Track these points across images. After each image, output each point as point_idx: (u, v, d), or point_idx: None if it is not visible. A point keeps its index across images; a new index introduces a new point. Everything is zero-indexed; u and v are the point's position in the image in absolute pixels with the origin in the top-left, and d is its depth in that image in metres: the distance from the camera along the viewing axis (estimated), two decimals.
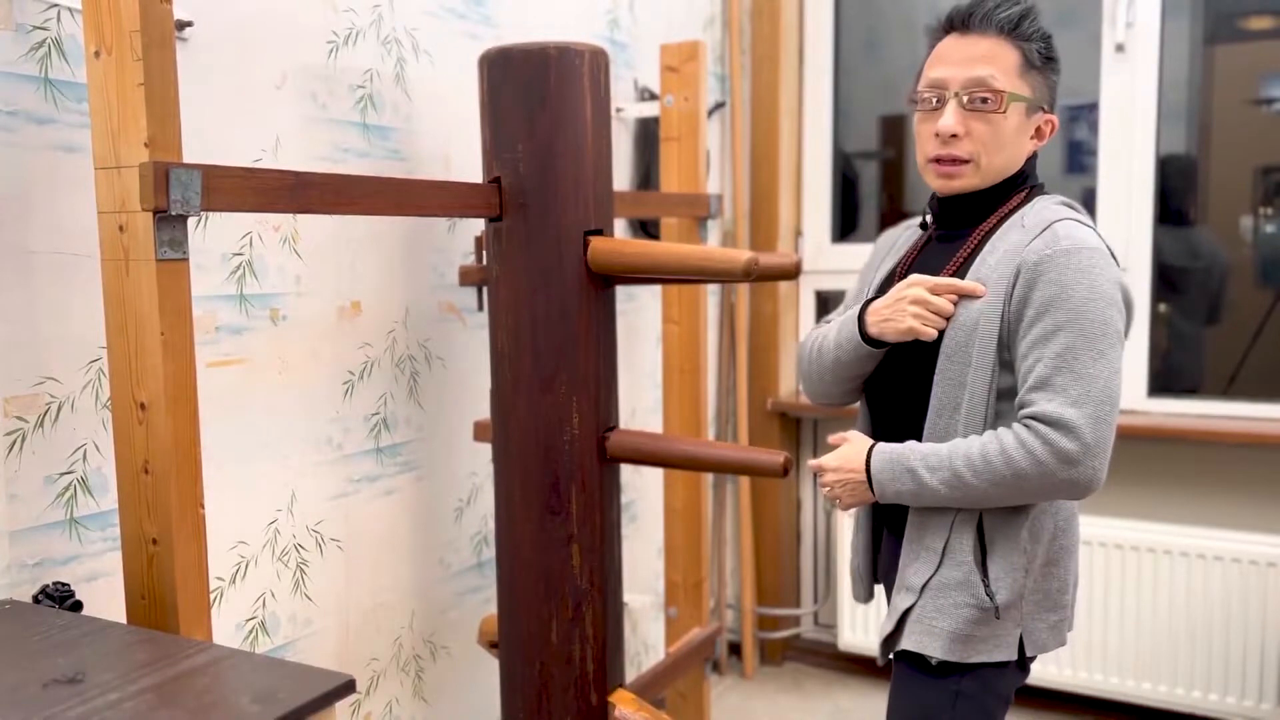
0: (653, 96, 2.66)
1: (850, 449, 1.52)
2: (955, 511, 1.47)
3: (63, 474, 1.47)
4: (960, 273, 1.50)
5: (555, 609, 1.79)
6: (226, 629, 1.70)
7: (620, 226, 2.59)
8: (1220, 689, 2.60)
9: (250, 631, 1.74)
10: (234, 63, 1.67)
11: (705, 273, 1.70)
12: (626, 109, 2.55)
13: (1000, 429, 1.41)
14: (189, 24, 1.58)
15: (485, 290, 1.98)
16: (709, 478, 2.63)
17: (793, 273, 1.68)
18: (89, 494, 1.51)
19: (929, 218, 1.61)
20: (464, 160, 2.14)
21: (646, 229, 2.66)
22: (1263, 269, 2.86)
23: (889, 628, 1.54)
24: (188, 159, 1.56)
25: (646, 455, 1.80)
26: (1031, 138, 1.51)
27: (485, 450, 2.22)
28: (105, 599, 1.51)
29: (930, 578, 1.48)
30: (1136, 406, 2.80)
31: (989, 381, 1.44)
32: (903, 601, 1.52)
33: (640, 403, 2.74)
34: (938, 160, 1.50)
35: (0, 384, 1.39)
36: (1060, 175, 3.05)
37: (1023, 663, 1.52)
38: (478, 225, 2.15)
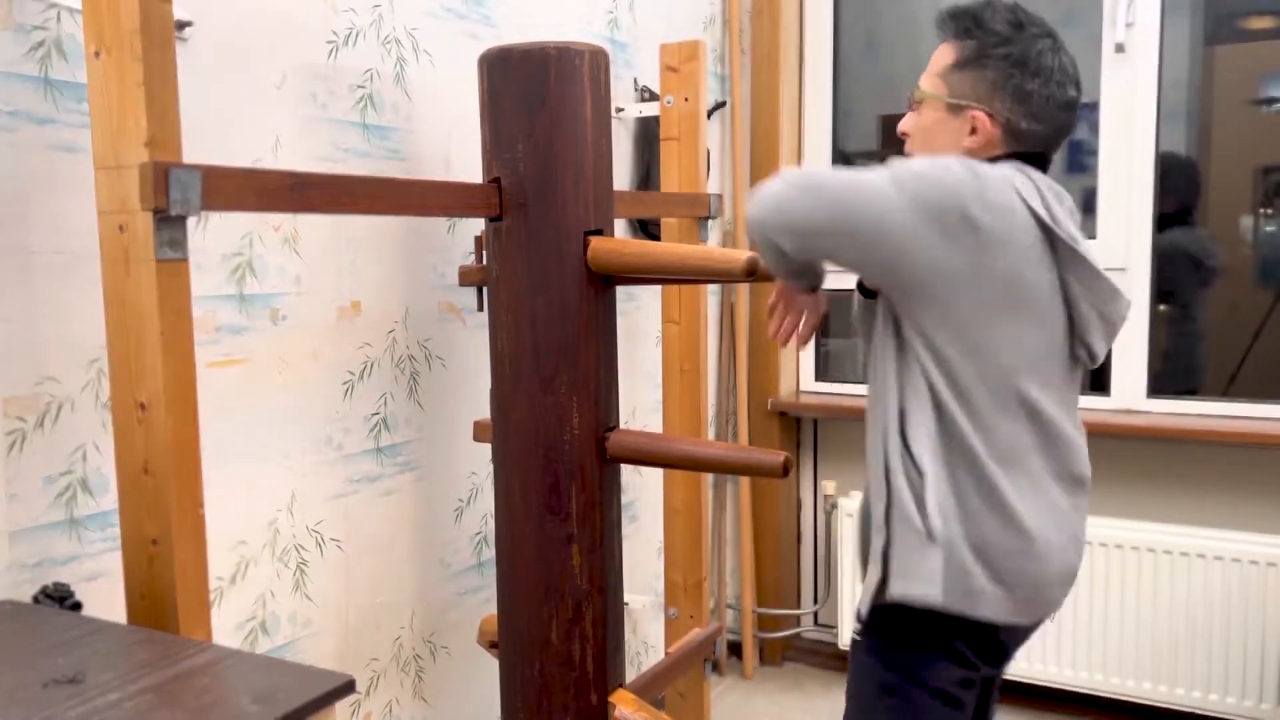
0: (653, 96, 2.66)
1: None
2: (880, 437, 1.49)
3: (63, 474, 1.47)
4: None
5: (555, 609, 1.79)
6: (226, 629, 1.70)
7: (620, 226, 2.59)
8: (1220, 689, 2.60)
9: (250, 631, 1.74)
10: (234, 63, 1.67)
11: (705, 273, 1.70)
12: (626, 109, 2.55)
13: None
14: (189, 24, 1.58)
15: (485, 290, 1.98)
16: (709, 478, 2.63)
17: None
18: (89, 494, 1.51)
19: None
20: (464, 160, 2.14)
21: (646, 229, 2.66)
22: (1263, 269, 2.86)
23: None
24: (188, 159, 1.56)
25: (646, 455, 1.80)
26: (969, 135, 1.51)
27: (485, 450, 2.22)
28: (105, 599, 1.51)
29: (874, 512, 1.50)
30: (1136, 406, 2.80)
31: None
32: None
33: (640, 403, 2.74)
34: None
35: (0, 384, 1.39)
36: (1060, 175, 3.05)
37: (954, 654, 1.48)
38: (478, 225, 2.15)
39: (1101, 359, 1.55)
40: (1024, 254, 1.40)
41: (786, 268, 1.52)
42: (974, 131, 1.51)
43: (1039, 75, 1.50)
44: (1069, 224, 1.48)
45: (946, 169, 1.38)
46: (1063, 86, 1.53)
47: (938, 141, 1.53)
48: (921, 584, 1.43)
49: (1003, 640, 1.52)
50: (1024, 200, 1.41)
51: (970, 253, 1.37)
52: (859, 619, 1.54)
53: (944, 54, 1.54)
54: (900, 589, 1.45)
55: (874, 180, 1.38)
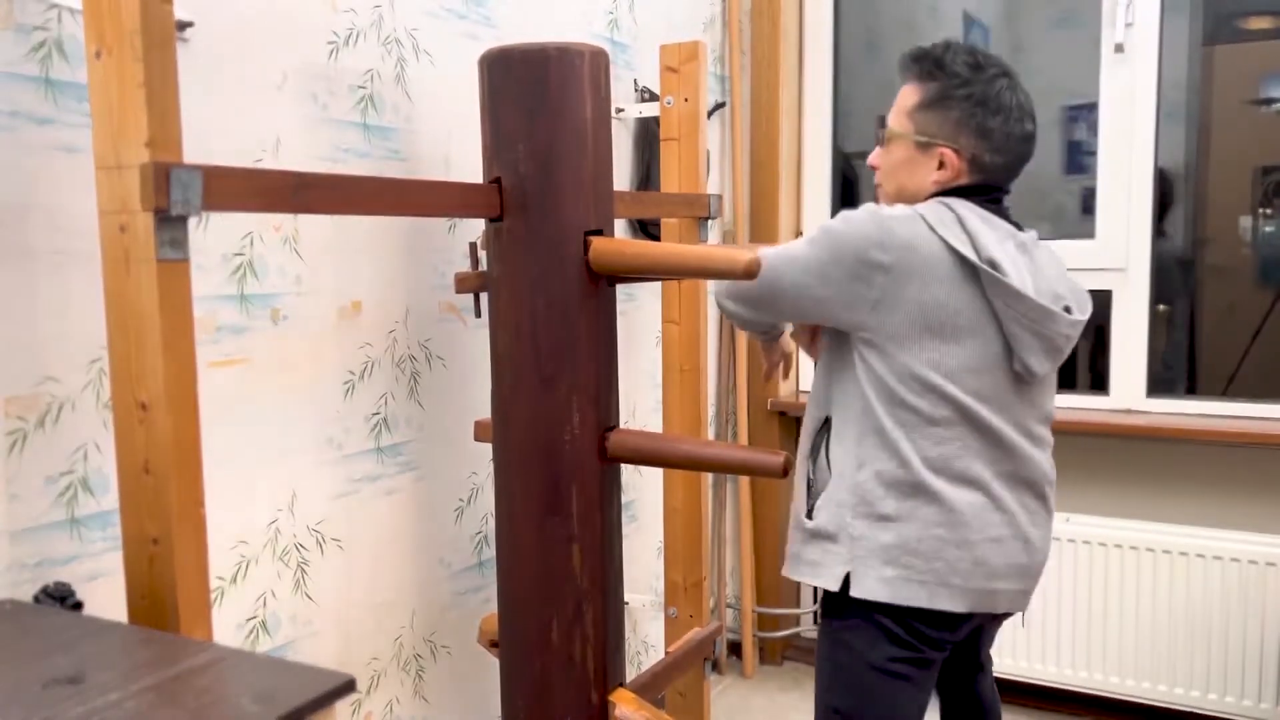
0: (653, 96, 2.66)
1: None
2: (807, 448, 1.74)
3: (63, 474, 1.47)
4: None
5: (555, 609, 1.79)
6: (227, 629, 1.70)
7: (620, 226, 2.59)
8: (1220, 689, 2.60)
9: (251, 631, 1.74)
10: (234, 63, 1.67)
11: (706, 273, 1.70)
12: (626, 109, 2.55)
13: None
14: (189, 24, 1.59)
15: (482, 297, 1.99)
16: (709, 478, 2.64)
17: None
18: (89, 494, 1.51)
19: None
20: (464, 160, 2.14)
21: (646, 229, 2.66)
22: (1262, 269, 2.86)
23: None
24: (188, 159, 1.56)
25: (646, 455, 1.80)
26: (937, 170, 1.67)
27: (485, 450, 2.22)
28: (106, 599, 1.52)
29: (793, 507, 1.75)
30: (1135, 406, 2.80)
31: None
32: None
33: (640, 403, 2.74)
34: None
35: (0, 384, 1.39)
36: (1060, 175, 3.05)
37: (890, 635, 1.64)
38: (478, 225, 2.15)
39: (1042, 374, 1.66)
40: (937, 280, 1.56)
41: (749, 327, 1.85)
42: (941, 166, 1.67)
43: (999, 113, 1.65)
44: (995, 249, 1.59)
45: (848, 221, 1.59)
46: (1020, 122, 1.67)
47: (907, 176, 1.70)
48: (822, 577, 1.66)
49: (943, 626, 1.66)
50: (934, 232, 1.57)
51: (881, 287, 1.56)
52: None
53: (909, 94, 1.70)
54: (809, 575, 1.69)
55: (796, 246, 1.62)
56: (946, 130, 1.65)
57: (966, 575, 1.60)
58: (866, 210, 1.59)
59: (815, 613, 1.79)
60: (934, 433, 1.59)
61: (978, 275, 1.56)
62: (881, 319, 1.57)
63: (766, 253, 1.62)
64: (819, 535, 1.66)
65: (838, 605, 1.69)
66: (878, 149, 1.75)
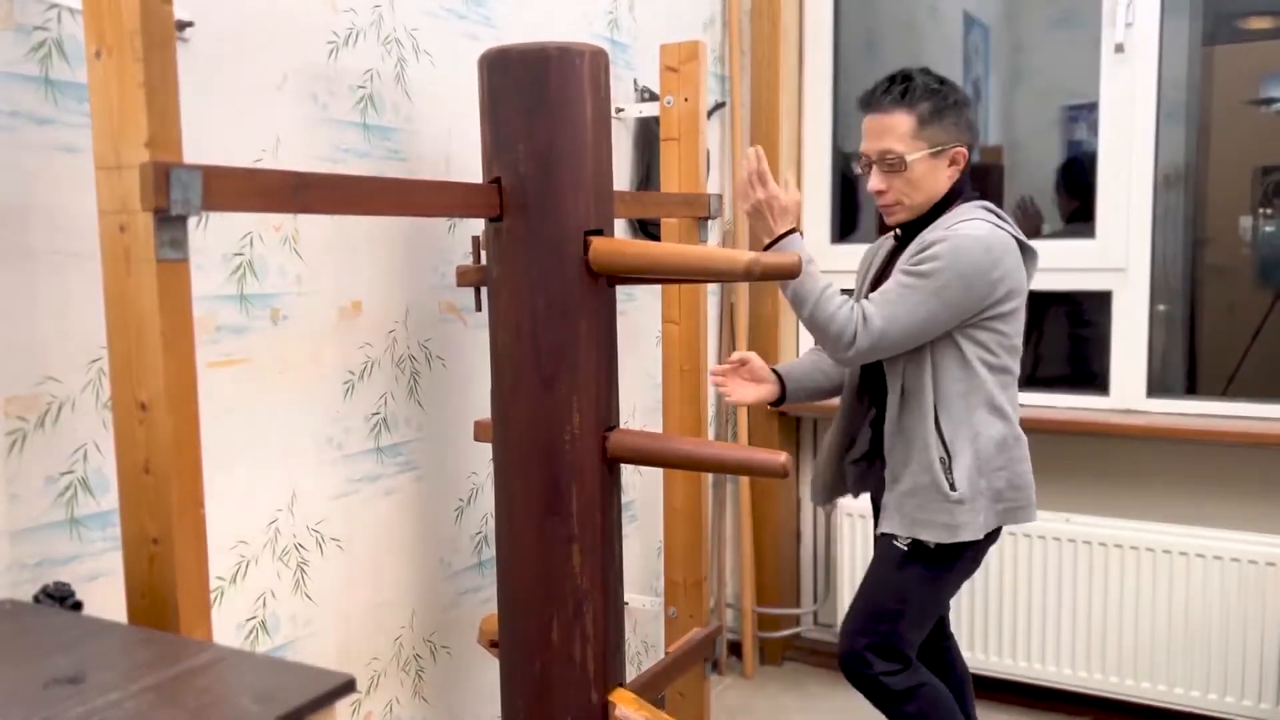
0: (653, 96, 2.66)
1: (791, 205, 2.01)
2: (925, 430, 1.95)
3: (63, 474, 1.47)
4: (890, 264, 2.05)
5: (555, 609, 1.79)
6: (227, 629, 1.70)
7: (620, 226, 2.59)
8: (1220, 689, 2.60)
9: (250, 631, 1.74)
10: (234, 63, 1.67)
11: (706, 273, 1.70)
12: (627, 109, 2.55)
13: (852, 301, 1.94)
14: (189, 24, 1.59)
15: (483, 290, 1.99)
16: (709, 477, 2.63)
17: (793, 272, 1.69)
18: (89, 494, 1.51)
19: (898, 232, 2.10)
20: (464, 160, 2.14)
21: (647, 229, 2.66)
22: (1262, 269, 2.86)
23: (882, 511, 2.05)
24: (188, 159, 1.56)
25: (646, 455, 1.80)
26: (948, 168, 1.98)
27: (485, 450, 2.22)
28: (105, 599, 1.52)
29: (916, 479, 1.97)
30: (1136, 406, 2.80)
31: None
32: (895, 497, 2.01)
33: (640, 403, 2.74)
34: (880, 206, 2.03)
35: (0, 384, 1.39)
36: (1059, 175, 3.05)
37: (987, 540, 2.02)
38: (478, 225, 2.15)
39: None
40: (1020, 266, 1.97)
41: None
42: (953, 163, 1.98)
43: (969, 107, 2.02)
44: (1018, 232, 2.00)
45: (964, 255, 1.89)
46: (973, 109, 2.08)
47: (930, 185, 1.98)
48: (964, 533, 1.97)
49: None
50: (1009, 234, 1.94)
51: (1002, 290, 1.94)
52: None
53: (899, 121, 1.95)
54: (947, 536, 1.98)
55: (916, 299, 1.91)
56: (953, 134, 1.96)
57: (1032, 492, 2.03)
58: (968, 257, 1.87)
59: (899, 548, 2.05)
60: (1013, 387, 2.01)
61: (1025, 253, 1.99)
62: (1000, 307, 1.93)
63: (885, 322, 1.90)
64: (961, 502, 1.93)
65: (946, 551, 1.98)
66: (879, 176, 1.97)
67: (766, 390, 2.18)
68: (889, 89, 1.96)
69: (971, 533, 1.95)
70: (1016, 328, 1.99)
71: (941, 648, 2.30)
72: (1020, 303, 1.97)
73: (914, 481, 1.97)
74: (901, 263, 1.95)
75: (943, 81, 1.98)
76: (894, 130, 1.95)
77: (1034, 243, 2.04)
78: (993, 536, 2.03)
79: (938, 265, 1.87)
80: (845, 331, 1.89)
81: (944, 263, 1.86)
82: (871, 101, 1.98)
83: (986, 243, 1.89)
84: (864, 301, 1.92)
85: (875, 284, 2.08)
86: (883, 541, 2.06)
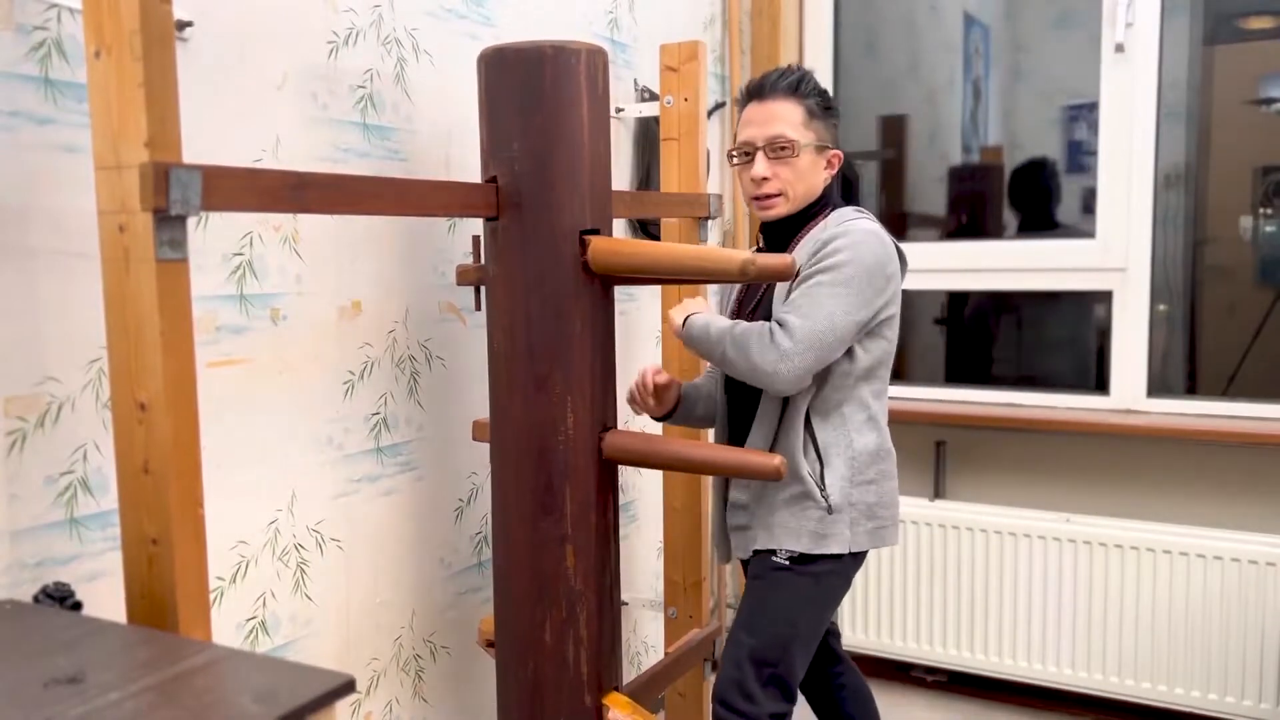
0: (653, 96, 2.66)
1: (701, 302, 1.99)
2: (795, 439, 1.88)
3: (63, 474, 1.47)
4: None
5: (549, 610, 1.79)
6: (227, 629, 1.70)
7: (620, 226, 2.59)
8: (1220, 689, 2.60)
9: (250, 631, 1.74)
10: (234, 63, 1.67)
11: (702, 273, 1.70)
12: (626, 109, 2.55)
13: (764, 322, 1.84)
14: (189, 24, 1.59)
15: (482, 290, 1.99)
16: (709, 477, 2.63)
17: (787, 273, 1.68)
18: (89, 494, 1.51)
19: (760, 243, 2.04)
20: (464, 160, 2.14)
21: (646, 229, 2.66)
22: (1262, 269, 2.86)
23: (746, 529, 1.96)
24: (188, 159, 1.56)
25: (640, 456, 1.79)
26: (825, 169, 1.96)
27: (485, 450, 2.22)
28: (105, 599, 1.52)
29: (783, 492, 1.90)
30: (1136, 406, 2.80)
31: None
32: (745, 496, 1.95)
33: None
34: (756, 198, 1.96)
35: (0, 384, 1.39)
36: (1060, 175, 3.05)
37: (855, 560, 1.94)
38: (478, 225, 2.15)
39: None
40: (900, 269, 1.94)
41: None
42: (829, 166, 1.97)
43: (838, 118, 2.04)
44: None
45: (863, 249, 1.83)
46: None
47: (812, 179, 1.94)
48: (834, 545, 1.90)
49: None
50: (881, 228, 1.90)
51: (893, 289, 1.91)
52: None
53: (790, 110, 1.92)
54: (820, 547, 1.90)
55: (831, 293, 1.82)
56: (829, 136, 1.97)
57: (898, 511, 1.98)
58: (868, 249, 1.83)
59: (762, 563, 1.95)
60: (884, 396, 1.96)
61: (902, 259, 1.96)
62: (889, 309, 1.89)
63: (803, 322, 1.79)
64: (831, 511, 1.87)
65: (810, 558, 1.89)
66: (764, 162, 1.92)
67: (662, 411, 2.10)
68: (783, 76, 1.93)
69: (840, 545, 1.88)
70: (895, 334, 1.94)
71: (830, 674, 2.19)
72: (898, 309, 1.93)
73: (784, 493, 1.90)
74: (802, 269, 1.86)
75: (822, 86, 2.00)
76: (785, 118, 1.91)
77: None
78: (859, 559, 1.94)
79: (842, 258, 1.81)
80: (764, 344, 1.78)
81: (848, 255, 1.81)
82: (764, 89, 1.94)
83: (881, 238, 1.86)
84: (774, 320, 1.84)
85: (740, 300, 2.02)
86: (757, 566, 1.94)
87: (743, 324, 1.85)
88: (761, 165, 1.92)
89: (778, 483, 1.89)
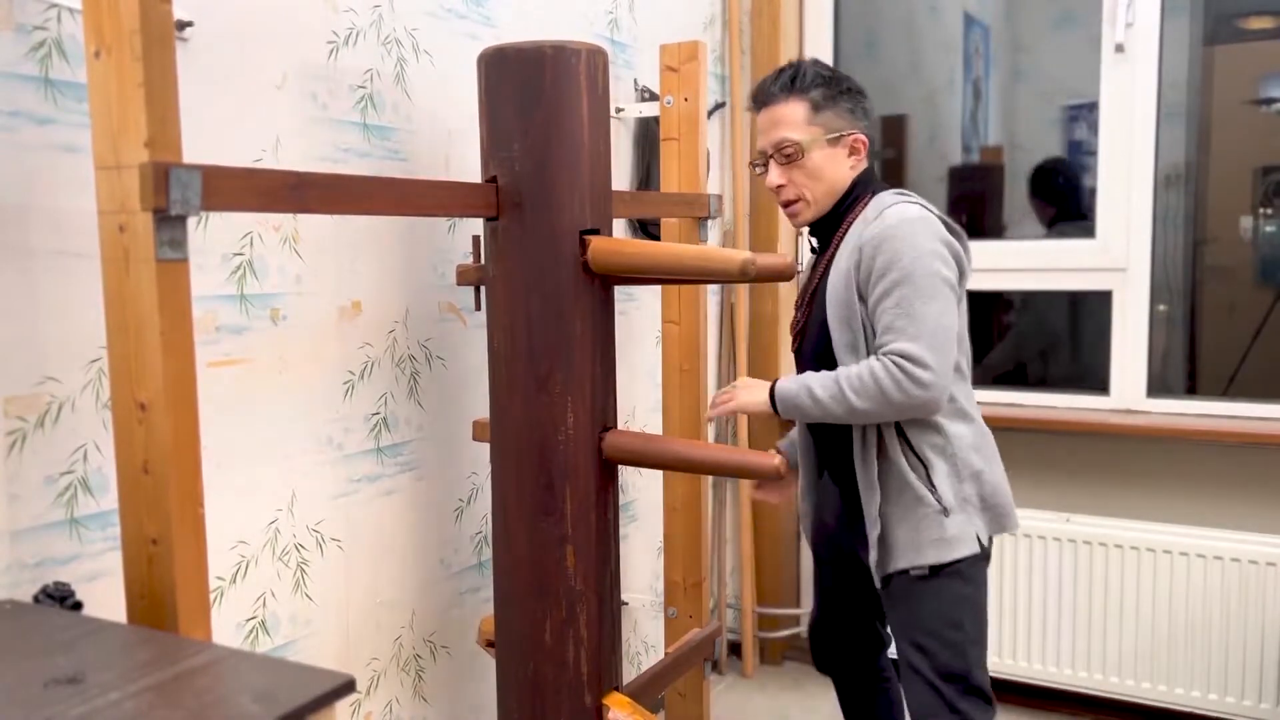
0: (653, 96, 2.66)
1: (752, 379, 1.91)
2: (892, 449, 1.83)
3: (63, 474, 1.47)
4: (823, 278, 1.90)
5: (549, 610, 1.79)
6: (227, 629, 1.70)
7: (620, 226, 2.59)
8: (1220, 689, 2.60)
9: (250, 631, 1.74)
10: (234, 63, 1.67)
11: (702, 273, 1.70)
12: (626, 109, 2.55)
13: (870, 359, 1.77)
14: (189, 24, 1.59)
15: (482, 290, 1.99)
16: (709, 477, 2.64)
17: (787, 274, 1.68)
18: (89, 494, 1.51)
19: (813, 242, 2.01)
20: (464, 160, 2.14)
21: (647, 229, 2.66)
22: (1262, 269, 2.87)
23: (875, 554, 1.88)
24: (188, 159, 1.56)
25: (640, 457, 1.79)
26: (850, 157, 1.89)
27: (485, 450, 2.22)
28: (105, 599, 1.51)
29: (898, 504, 1.85)
30: (1136, 406, 2.80)
31: (864, 332, 1.82)
32: (876, 531, 1.87)
33: (640, 402, 2.74)
34: (782, 205, 1.93)
35: (0, 384, 1.39)
36: (1078, 172, 3.05)
37: (987, 556, 1.90)
38: (478, 225, 2.15)
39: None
40: (965, 252, 1.84)
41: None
42: (853, 152, 1.89)
43: (866, 96, 1.93)
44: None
45: (921, 240, 1.76)
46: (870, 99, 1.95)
47: (831, 174, 1.87)
48: (960, 548, 1.85)
49: None
50: (934, 215, 1.81)
51: (957, 274, 1.83)
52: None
53: (793, 109, 1.86)
54: (947, 554, 1.85)
55: (926, 301, 1.77)
56: (848, 120, 1.88)
57: (1010, 497, 1.92)
58: (925, 240, 1.75)
59: (901, 573, 1.89)
60: (966, 382, 1.89)
61: (957, 236, 1.85)
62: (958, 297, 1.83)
63: (920, 342, 1.74)
64: (948, 512, 1.83)
65: (942, 565, 1.84)
66: (775, 170, 1.89)
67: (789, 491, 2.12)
68: (777, 78, 1.88)
69: (968, 545, 1.83)
70: (963, 317, 1.86)
71: (878, 677, 2.19)
72: (964, 290, 1.85)
73: (896, 508, 1.85)
74: (865, 290, 1.79)
75: (833, 70, 1.91)
76: (787, 119, 1.86)
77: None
78: (988, 552, 1.90)
79: (907, 263, 1.73)
80: (898, 382, 1.72)
81: (910, 257, 1.73)
82: (762, 96, 1.90)
83: (924, 220, 1.77)
84: (879, 345, 1.78)
85: (810, 298, 1.94)
86: (897, 585, 1.88)
87: (847, 372, 1.77)
88: (774, 173, 1.90)
89: (896, 497, 1.85)
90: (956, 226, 1.85)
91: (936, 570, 1.84)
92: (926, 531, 1.83)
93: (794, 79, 1.87)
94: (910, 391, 1.72)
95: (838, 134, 1.87)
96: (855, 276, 1.81)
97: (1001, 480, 1.91)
